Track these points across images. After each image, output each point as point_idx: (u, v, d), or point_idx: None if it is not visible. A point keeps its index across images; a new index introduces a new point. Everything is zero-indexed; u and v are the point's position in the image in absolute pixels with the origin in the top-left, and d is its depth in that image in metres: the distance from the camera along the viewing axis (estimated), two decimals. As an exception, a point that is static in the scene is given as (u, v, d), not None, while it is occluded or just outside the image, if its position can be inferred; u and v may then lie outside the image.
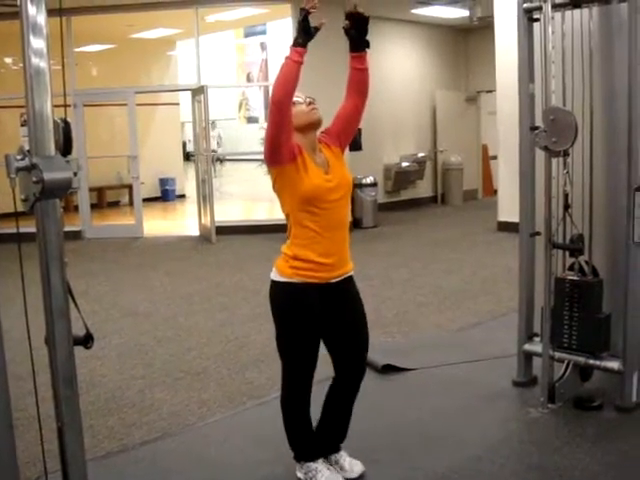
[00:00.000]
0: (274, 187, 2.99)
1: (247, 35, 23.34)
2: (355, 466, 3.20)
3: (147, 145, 13.62)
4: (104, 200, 14.15)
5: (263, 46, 22.66)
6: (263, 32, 20.89)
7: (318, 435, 3.19)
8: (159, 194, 15.51)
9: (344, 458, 3.21)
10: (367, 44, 2.96)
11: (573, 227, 3.72)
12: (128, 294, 7.10)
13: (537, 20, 3.84)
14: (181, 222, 12.97)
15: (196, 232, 10.96)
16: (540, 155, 3.79)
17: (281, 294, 3.01)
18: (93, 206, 12.04)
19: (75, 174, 1.93)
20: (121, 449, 3.59)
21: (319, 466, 3.12)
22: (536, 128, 3.67)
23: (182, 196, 16.09)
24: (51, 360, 1.99)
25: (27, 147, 1.93)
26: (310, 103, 2.97)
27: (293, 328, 3.01)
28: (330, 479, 3.08)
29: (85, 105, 10.72)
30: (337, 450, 3.22)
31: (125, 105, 11.09)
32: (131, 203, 12.30)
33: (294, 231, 2.95)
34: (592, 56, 3.74)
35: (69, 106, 10.02)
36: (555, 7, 3.65)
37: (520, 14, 3.88)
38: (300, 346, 3.01)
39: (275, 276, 3.00)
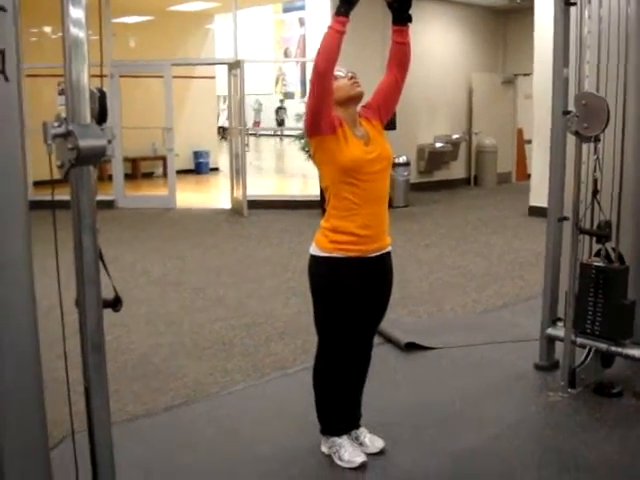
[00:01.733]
0: (314, 159, 3.03)
1: (286, 10, 23.31)
2: (376, 442, 3.24)
3: (182, 118, 13.68)
4: (138, 171, 14.28)
5: (301, 21, 22.62)
6: (302, 7, 20.84)
7: None
8: (193, 167, 15.62)
9: (364, 434, 3.25)
10: (409, 18, 2.97)
11: (601, 213, 3.72)
12: (158, 264, 7.20)
13: (574, 4, 3.82)
14: (214, 195, 13.06)
15: (228, 205, 11.05)
16: (571, 140, 3.79)
17: (321, 269, 3.01)
18: (127, 176, 12.18)
19: (109, 142, 1.99)
20: (145, 414, 3.68)
21: (343, 441, 3.16)
22: (568, 112, 3.67)
23: (216, 169, 16.19)
24: (81, 324, 2.06)
25: (64, 115, 1.99)
26: (352, 77, 3.00)
27: (333, 304, 3.01)
28: (353, 455, 3.12)
29: (122, 76, 10.81)
30: (357, 426, 3.26)
31: (162, 77, 11.18)
32: (165, 174, 12.41)
33: (333, 203, 2.96)
34: (628, 41, 3.71)
35: (106, 76, 10.14)
36: (593, -9, 3.63)
37: (557, -3, 3.86)
38: (340, 322, 3.02)
39: (315, 251, 3.01)
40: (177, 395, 3.90)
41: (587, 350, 3.85)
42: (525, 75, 12.88)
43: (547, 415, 3.61)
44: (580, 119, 3.46)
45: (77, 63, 1.97)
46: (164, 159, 12.31)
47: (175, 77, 11.35)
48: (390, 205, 11.07)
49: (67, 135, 1.89)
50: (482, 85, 13.52)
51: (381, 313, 3.20)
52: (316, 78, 2.82)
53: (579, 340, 3.82)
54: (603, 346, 3.79)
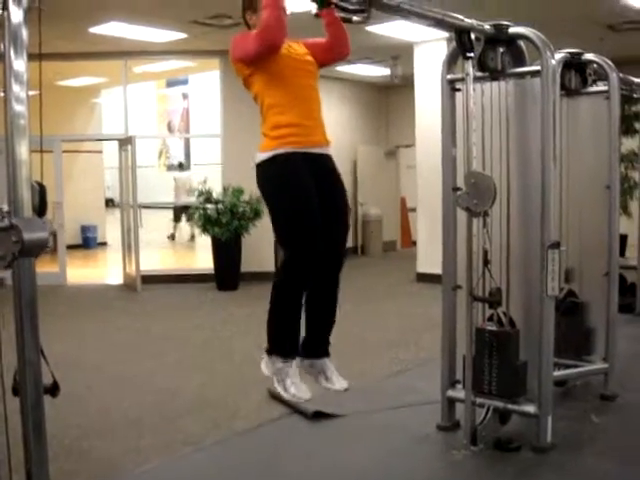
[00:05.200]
0: (245, 80, 3.22)
1: (169, 84, 23.53)
2: (341, 381, 3.23)
3: (69, 192, 13.51)
4: (24, 247, 13.91)
5: (184, 95, 22.87)
6: (185, 82, 21.12)
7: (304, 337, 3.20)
8: (80, 241, 15.40)
9: (331, 369, 3.22)
10: (328, 3, 3.17)
11: (492, 281, 4.02)
12: (55, 343, 7.01)
13: (459, 90, 4.18)
14: (104, 270, 12.94)
15: (120, 280, 10.97)
16: (461, 214, 4.10)
17: (270, 171, 3.13)
18: (14, 253, 11.87)
19: (52, 234, 2.10)
20: (63, 497, 3.67)
21: (291, 370, 3.09)
22: (458, 189, 3.99)
23: (104, 243, 16.02)
24: (22, 407, 2.13)
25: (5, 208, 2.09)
26: None
27: (289, 202, 3.10)
28: (300, 390, 3.06)
29: (9, 151, 10.66)
30: (323, 355, 3.24)
31: (50, 152, 11.10)
32: (54, 250, 12.19)
33: (268, 102, 3.15)
34: (509, 124, 4.10)
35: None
36: (476, 79, 3.99)
37: (444, 84, 4.22)
38: (300, 221, 3.08)
39: (260, 157, 3.15)
40: (92, 476, 3.89)
41: (486, 409, 4.11)
42: (407, 146, 13.52)
43: (454, 472, 3.81)
44: (470, 196, 3.77)
45: (19, 140, 2.08)
46: (53, 235, 12.11)
47: (63, 152, 11.31)
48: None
49: (10, 228, 2.00)
50: (366, 157, 14.08)
51: (340, 218, 3.27)
52: (266, 51, 3.03)
53: (478, 400, 4.07)
54: (500, 404, 4.05)
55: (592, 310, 4.99)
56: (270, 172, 3.16)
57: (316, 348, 3.28)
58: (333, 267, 3.29)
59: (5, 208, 2.05)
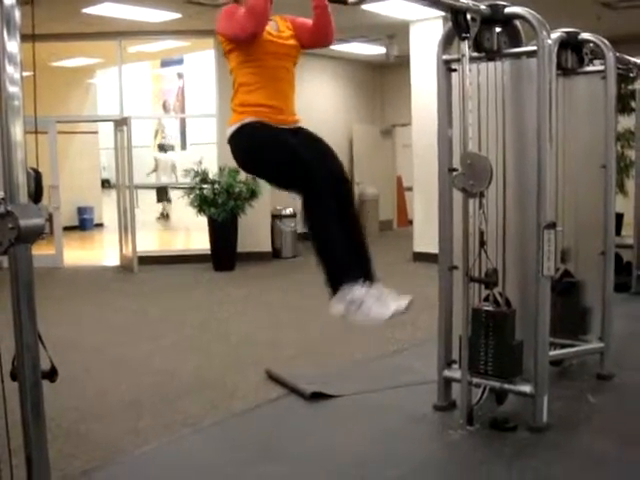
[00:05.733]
0: (225, 53, 3.26)
1: (164, 65, 23.40)
2: (401, 299, 3.05)
3: (65, 173, 13.48)
4: (21, 229, 13.90)
5: (180, 75, 22.76)
6: (180, 62, 21.01)
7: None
8: (77, 223, 15.39)
9: (385, 291, 3.03)
10: None
11: (488, 262, 4.03)
12: (53, 326, 7.05)
13: (455, 70, 4.17)
14: (101, 252, 12.95)
15: (116, 262, 10.98)
16: (457, 194, 4.10)
17: (245, 140, 3.18)
18: (10, 235, 11.86)
19: (47, 220, 2.10)
20: (63, 479, 3.69)
21: (363, 292, 2.95)
22: (454, 170, 3.99)
23: (100, 225, 16.01)
24: (21, 392, 2.14)
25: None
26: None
27: (266, 152, 3.15)
28: (380, 306, 2.93)
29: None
30: (370, 280, 3.06)
31: (45, 133, 11.05)
32: (50, 232, 12.18)
33: (239, 81, 3.20)
34: (505, 105, 4.09)
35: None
36: (472, 60, 3.97)
37: (440, 65, 4.21)
38: (286, 159, 3.12)
39: (230, 130, 3.20)
40: (91, 458, 3.90)
41: (482, 389, 4.13)
42: (403, 125, 13.50)
43: (450, 452, 3.85)
44: (466, 177, 3.77)
45: (14, 121, 2.07)
46: (50, 217, 12.09)
47: (58, 133, 11.27)
48: (278, 256, 11.39)
49: (6, 215, 2.00)
50: (362, 136, 14.05)
51: (327, 151, 3.30)
52: (247, 38, 3.06)
53: (474, 380, 4.10)
54: (496, 384, 4.08)
55: (588, 289, 5.01)
56: (242, 141, 3.20)
57: (364, 273, 3.11)
58: (342, 190, 3.22)
59: (0, 195, 2.05)
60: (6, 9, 2.02)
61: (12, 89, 2.05)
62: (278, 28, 3.28)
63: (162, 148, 18.33)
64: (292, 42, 3.30)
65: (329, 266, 3.10)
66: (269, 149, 3.17)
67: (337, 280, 3.04)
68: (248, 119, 3.16)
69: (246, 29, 3.03)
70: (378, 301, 2.95)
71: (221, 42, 3.27)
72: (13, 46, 2.05)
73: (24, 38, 2.09)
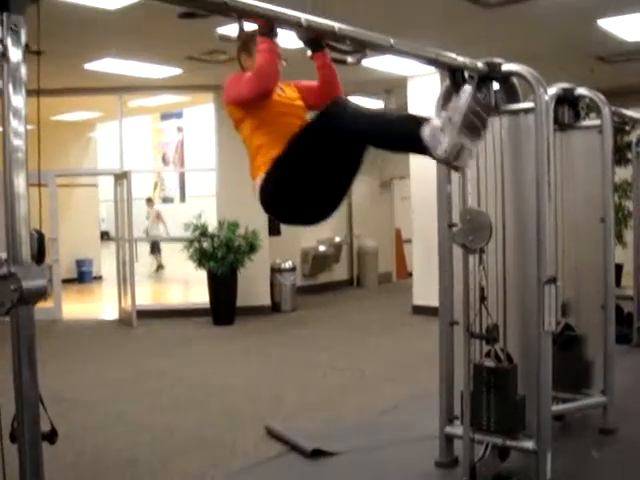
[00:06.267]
0: (236, 123, 3.25)
1: (164, 118, 23.64)
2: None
3: (64, 226, 13.52)
4: (19, 282, 13.89)
5: (179, 129, 22.97)
6: (179, 115, 21.23)
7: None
8: (75, 275, 15.37)
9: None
10: (320, 45, 3.19)
11: (489, 317, 4.02)
12: (51, 380, 6.99)
13: (453, 127, 4.21)
14: (99, 305, 12.91)
15: (115, 315, 10.94)
16: (456, 249, 4.11)
17: (273, 179, 3.11)
18: (9, 288, 11.84)
19: (49, 280, 2.11)
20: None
21: (440, 118, 2.81)
22: (454, 225, 4.01)
23: (99, 277, 15.99)
24: (20, 454, 2.12)
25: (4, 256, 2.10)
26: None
27: (300, 157, 3.10)
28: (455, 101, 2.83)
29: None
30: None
31: (45, 186, 11.11)
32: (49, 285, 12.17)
33: (256, 144, 3.17)
34: (503, 160, 4.13)
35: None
36: (470, 116, 4.02)
37: (437, 122, 4.25)
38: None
39: (258, 185, 3.16)
40: (89, 518, 3.86)
41: (485, 445, 4.09)
42: (401, 178, 13.58)
43: (453, 511, 3.80)
44: (466, 233, 3.78)
45: (18, 173, 2.09)
46: (49, 269, 12.10)
47: (58, 186, 11.34)
48: (278, 310, 11.35)
49: (9, 276, 2.00)
50: (361, 189, 14.10)
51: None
52: (259, 97, 3.06)
53: (477, 437, 4.06)
54: (499, 440, 4.03)
55: (589, 343, 5.00)
56: (272, 182, 3.15)
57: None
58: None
59: (3, 256, 2.05)
60: (13, 65, 2.05)
61: (17, 142, 2.08)
62: (284, 91, 3.32)
63: (149, 201, 18.35)
64: (300, 103, 3.34)
65: (402, 134, 2.94)
66: (300, 153, 3.11)
67: (417, 136, 2.82)
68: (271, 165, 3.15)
69: (259, 85, 3.03)
70: (451, 111, 2.84)
71: (230, 114, 3.26)
72: (18, 100, 2.08)
73: (28, 92, 2.12)
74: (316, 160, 3.10)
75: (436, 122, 2.80)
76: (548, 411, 3.99)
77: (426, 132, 2.79)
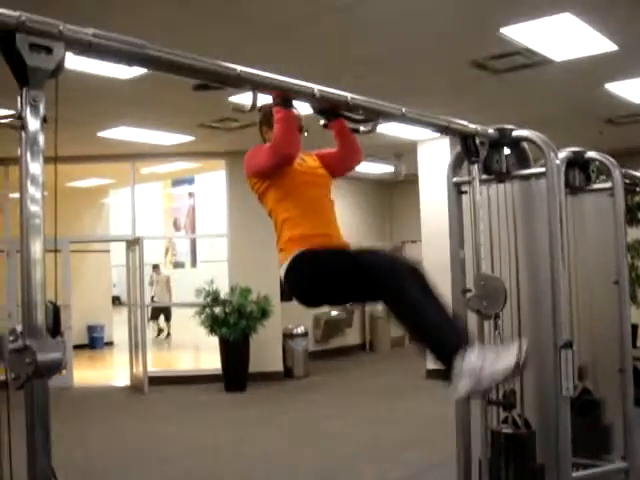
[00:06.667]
0: (260, 196, 3.24)
1: (175, 184, 23.86)
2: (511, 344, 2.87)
3: (76, 291, 13.57)
4: (31, 349, 13.86)
5: (191, 194, 23.16)
6: (191, 181, 21.43)
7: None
8: (87, 341, 15.33)
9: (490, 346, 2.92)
10: (337, 115, 3.19)
11: (505, 383, 3.96)
12: (63, 449, 6.93)
13: (465, 192, 4.23)
14: (111, 371, 12.84)
15: (127, 382, 10.86)
16: (471, 314, 4.08)
17: (299, 268, 3.08)
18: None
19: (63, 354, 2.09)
20: None
21: (477, 356, 2.69)
22: (468, 291, 3.99)
23: (110, 343, 15.94)
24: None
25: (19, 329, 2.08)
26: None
27: (333, 272, 3.05)
28: (503, 356, 2.74)
29: (18, 251, 10.73)
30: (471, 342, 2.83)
31: (59, 252, 11.17)
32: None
33: (281, 218, 3.16)
34: (516, 224, 4.13)
35: (2, 251, 10.17)
36: (482, 182, 4.03)
37: (450, 187, 4.27)
38: (354, 270, 2.99)
39: (283, 268, 3.12)
40: None
41: (504, 515, 3.99)
42: (412, 242, 13.59)
43: None
44: (480, 298, 3.76)
45: (34, 239, 2.09)
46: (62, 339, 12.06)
47: (70, 252, 11.39)
48: (290, 375, 11.26)
49: (24, 349, 1.99)
50: (372, 252, 14.12)
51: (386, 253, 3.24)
52: (278, 165, 3.08)
53: (496, 507, 3.96)
54: (519, 510, 3.94)
55: (608, 406, 4.91)
56: (298, 272, 3.11)
57: (465, 338, 2.88)
58: (417, 275, 3.08)
59: (19, 328, 2.04)
60: (31, 134, 2.08)
61: (34, 208, 2.09)
62: (305, 161, 3.34)
63: (156, 267, 18.30)
64: (322, 171, 3.35)
65: (435, 344, 2.87)
66: (329, 268, 3.09)
67: (446, 355, 2.77)
68: (298, 250, 3.10)
69: (276, 153, 3.04)
70: (494, 355, 2.76)
71: (252, 186, 3.26)
72: (36, 168, 2.10)
73: (44, 160, 2.15)
74: (343, 282, 3.08)
75: (476, 362, 2.69)
76: (568, 478, 3.91)
77: (463, 364, 2.69)
